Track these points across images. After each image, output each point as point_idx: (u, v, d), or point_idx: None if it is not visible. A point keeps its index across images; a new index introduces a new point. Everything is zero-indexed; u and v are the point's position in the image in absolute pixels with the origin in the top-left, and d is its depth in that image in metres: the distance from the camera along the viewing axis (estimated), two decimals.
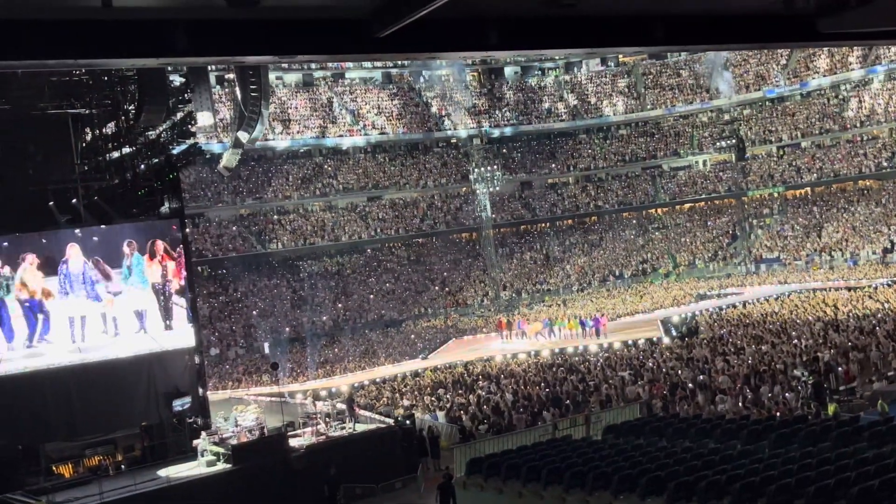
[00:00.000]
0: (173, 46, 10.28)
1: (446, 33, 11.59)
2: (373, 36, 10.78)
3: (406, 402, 31.20)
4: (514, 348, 43.48)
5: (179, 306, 24.07)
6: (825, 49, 67.69)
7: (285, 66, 67.69)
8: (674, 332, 39.73)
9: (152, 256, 23.49)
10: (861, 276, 51.08)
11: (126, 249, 23.13)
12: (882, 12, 11.97)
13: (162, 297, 23.78)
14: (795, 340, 29.66)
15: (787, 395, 22.40)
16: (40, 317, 22.17)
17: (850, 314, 35.03)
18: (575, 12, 10.87)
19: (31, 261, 21.97)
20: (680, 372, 27.52)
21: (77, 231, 22.93)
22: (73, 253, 22.48)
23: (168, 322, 23.82)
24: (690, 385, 25.22)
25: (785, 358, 26.47)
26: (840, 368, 24.54)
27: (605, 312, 49.56)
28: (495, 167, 66.67)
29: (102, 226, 23.82)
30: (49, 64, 12.66)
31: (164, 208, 25.04)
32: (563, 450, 16.83)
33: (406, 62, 73.45)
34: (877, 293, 41.02)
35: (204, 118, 26.78)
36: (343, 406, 25.44)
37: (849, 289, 45.50)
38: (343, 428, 22.20)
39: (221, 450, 20.29)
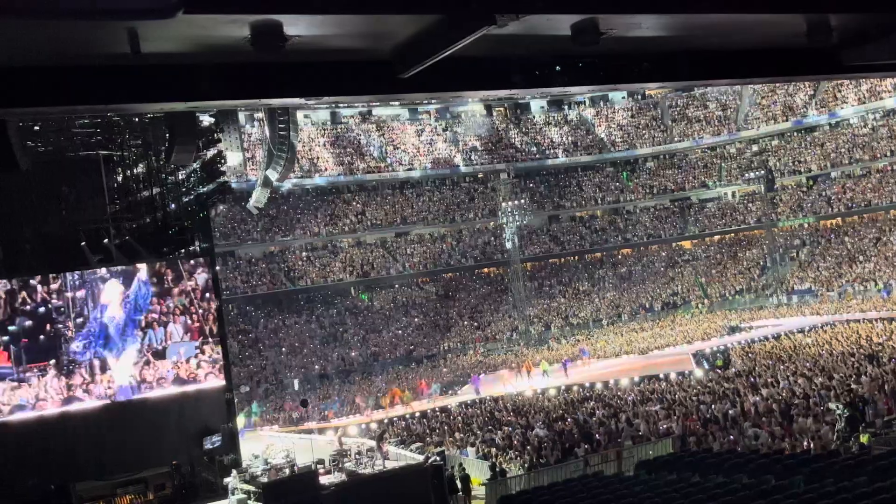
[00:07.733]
0: (201, 90, 10.49)
1: (469, 73, 11.69)
2: (396, 76, 10.91)
3: (436, 439, 31.06)
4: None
5: (210, 344, 24.20)
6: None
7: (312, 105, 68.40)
8: (706, 365, 39.36)
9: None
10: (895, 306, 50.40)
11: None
12: None
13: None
14: (830, 372, 29.26)
15: (822, 428, 22.08)
16: None
17: (886, 345, 34.52)
18: (598, 50, 10.90)
19: None
20: (713, 406, 27.21)
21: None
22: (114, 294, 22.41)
23: (199, 360, 23.94)
24: (724, 419, 24.93)
25: (819, 390, 26.09)
26: (878, 401, 24.15)
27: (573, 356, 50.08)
28: (523, 201, 66.72)
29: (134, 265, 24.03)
30: (79, 109, 12.92)
31: (195, 247, 25.32)
32: (594, 486, 16.61)
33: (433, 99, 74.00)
34: None
35: (233, 157, 26.94)
36: (372, 443, 25.35)
37: (883, 320, 44.87)
38: (373, 465, 22.12)
39: (252, 487, 20.25)
